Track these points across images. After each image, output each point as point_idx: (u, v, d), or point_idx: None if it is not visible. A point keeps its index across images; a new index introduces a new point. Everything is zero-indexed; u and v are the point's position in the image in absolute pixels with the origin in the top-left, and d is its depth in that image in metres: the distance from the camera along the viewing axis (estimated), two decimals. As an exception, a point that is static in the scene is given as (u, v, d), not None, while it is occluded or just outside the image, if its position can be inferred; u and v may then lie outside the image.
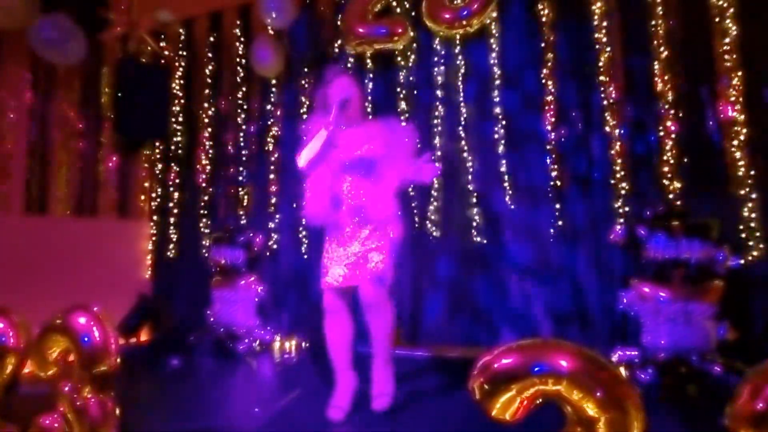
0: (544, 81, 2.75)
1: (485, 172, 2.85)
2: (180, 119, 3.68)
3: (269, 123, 3.43)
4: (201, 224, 3.56)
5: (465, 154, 2.86)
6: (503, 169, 2.79)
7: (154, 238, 3.72)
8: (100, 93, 3.60)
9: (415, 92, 3.03)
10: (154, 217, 3.73)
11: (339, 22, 3.18)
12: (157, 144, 3.72)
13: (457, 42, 2.93)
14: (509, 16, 2.86)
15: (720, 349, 2.16)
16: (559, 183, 2.70)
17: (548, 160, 2.72)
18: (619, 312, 2.46)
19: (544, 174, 2.73)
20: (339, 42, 3.21)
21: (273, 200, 3.38)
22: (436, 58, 2.98)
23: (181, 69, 3.68)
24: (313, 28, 3.31)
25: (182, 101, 3.68)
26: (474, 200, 2.84)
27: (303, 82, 3.32)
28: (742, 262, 2.26)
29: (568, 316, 2.64)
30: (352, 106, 1.83)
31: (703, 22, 2.45)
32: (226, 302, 3.11)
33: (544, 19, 2.76)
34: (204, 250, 3.46)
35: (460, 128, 2.90)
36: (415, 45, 3.05)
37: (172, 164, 3.70)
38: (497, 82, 2.84)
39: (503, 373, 1.20)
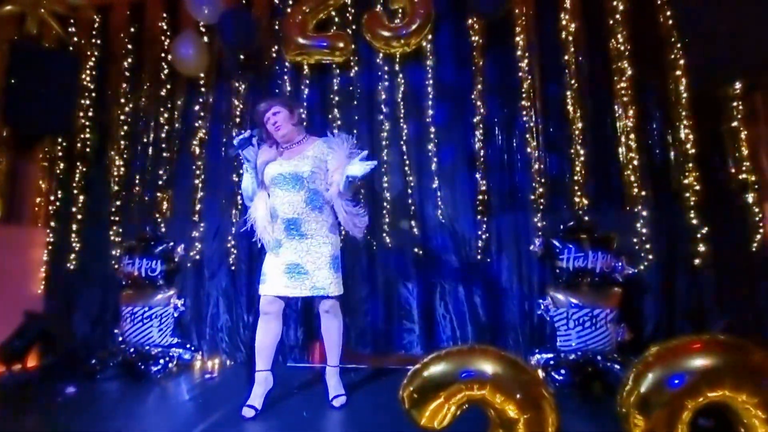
0: (474, 102, 2.93)
1: (420, 187, 2.94)
2: (90, 114, 3.29)
3: (196, 125, 3.21)
4: (111, 232, 3.18)
5: (407, 168, 2.93)
6: (435, 184, 2.90)
7: (50, 247, 3.24)
8: (-15, 78, 3.08)
9: (356, 102, 3.04)
10: (52, 223, 3.26)
11: (276, 27, 3.10)
12: (59, 140, 3.27)
13: (396, 60, 3.02)
14: (444, 40, 3.02)
15: (619, 348, 2.43)
16: (486, 198, 2.87)
17: (478, 176, 2.88)
18: (538, 317, 2.67)
19: (472, 189, 2.88)
20: (276, 47, 3.13)
21: (198, 207, 3.14)
22: (379, 73, 3.03)
23: (93, 59, 3.31)
24: (248, 28, 3.18)
25: (93, 95, 3.30)
26: (411, 213, 2.91)
27: (235, 83, 3.17)
28: (636, 270, 2.59)
29: (493, 322, 2.79)
30: (281, 126, 1.94)
31: (605, 62, 2.82)
32: (138, 319, 2.80)
33: (475, 45, 2.96)
34: (113, 261, 3.09)
35: (402, 143, 2.97)
36: (354, 59, 3.07)
37: (78, 163, 3.27)
38: (430, 102, 2.96)
39: (432, 380, 1.22)
